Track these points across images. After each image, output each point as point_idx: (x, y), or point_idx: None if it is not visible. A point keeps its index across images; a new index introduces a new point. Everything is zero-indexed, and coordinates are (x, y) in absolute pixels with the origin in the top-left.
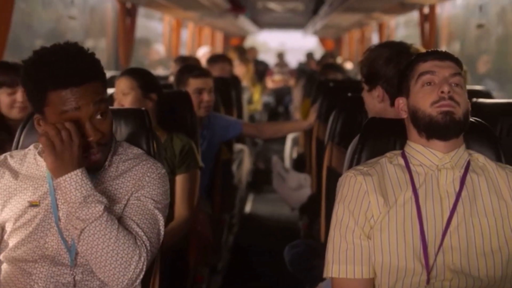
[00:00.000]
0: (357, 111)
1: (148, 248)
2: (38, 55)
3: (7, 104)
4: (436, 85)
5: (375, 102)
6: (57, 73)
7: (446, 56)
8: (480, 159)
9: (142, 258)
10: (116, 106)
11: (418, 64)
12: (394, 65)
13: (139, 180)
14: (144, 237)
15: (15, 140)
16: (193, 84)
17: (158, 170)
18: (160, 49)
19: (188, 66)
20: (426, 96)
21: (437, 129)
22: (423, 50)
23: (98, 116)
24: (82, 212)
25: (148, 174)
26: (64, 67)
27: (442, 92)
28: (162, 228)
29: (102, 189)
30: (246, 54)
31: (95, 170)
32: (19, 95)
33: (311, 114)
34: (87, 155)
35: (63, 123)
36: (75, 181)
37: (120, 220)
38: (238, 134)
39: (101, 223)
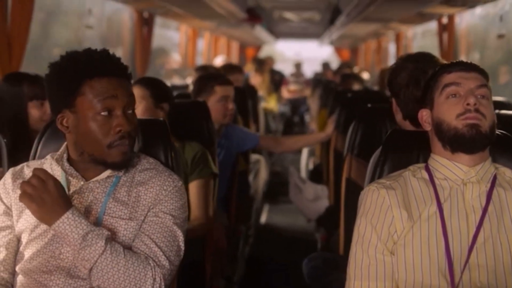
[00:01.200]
0: (377, 122)
1: (167, 266)
2: (69, 54)
3: (37, 117)
4: (462, 97)
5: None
6: (96, 63)
7: (471, 67)
8: (507, 173)
9: (158, 279)
10: None
11: (443, 75)
12: (407, 80)
13: (157, 194)
14: (162, 256)
15: (33, 150)
16: (219, 92)
17: (174, 182)
18: (176, 58)
19: (212, 74)
20: (451, 108)
21: (462, 142)
22: None
23: (130, 111)
24: (85, 252)
25: (165, 187)
26: (100, 58)
27: (468, 104)
28: (182, 244)
29: (121, 196)
30: (263, 65)
31: (118, 168)
32: (49, 107)
33: (328, 125)
34: (117, 145)
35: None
36: (68, 224)
37: (139, 238)
38: (255, 145)
39: (106, 257)
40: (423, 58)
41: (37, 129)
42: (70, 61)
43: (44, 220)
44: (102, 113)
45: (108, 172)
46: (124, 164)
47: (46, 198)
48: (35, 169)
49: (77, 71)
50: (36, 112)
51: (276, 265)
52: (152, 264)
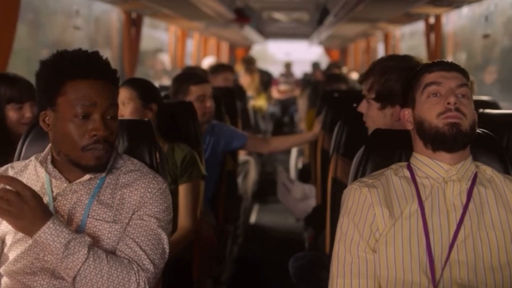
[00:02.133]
0: (362, 122)
1: (151, 270)
2: (58, 52)
3: (15, 120)
4: (442, 96)
5: (386, 120)
6: (79, 64)
7: (452, 67)
8: (488, 171)
9: (142, 283)
10: None
11: (424, 75)
12: None
13: (141, 197)
14: (146, 260)
15: (17, 151)
16: (195, 92)
17: (159, 185)
18: (165, 59)
19: (187, 74)
20: (432, 107)
21: (443, 141)
22: None
23: (109, 117)
24: (68, 261)
25: (149, 190)
26: (85, 60)
27: (448, 103)
28: (166, 246)
29: (105, 198)
30: (252, 64)
31: (92, 171)
32: (27, 110)
33: (315, 125)
34: (91, 148)
35: (5, 189)
36: (50, 234)
37: (123, 241)
38: (243, 145)
39: (89, 265)
40: (411, 61)
41: (16, 131)
42: (57, 60)
43: (24, 231)
44: (80, 116)
45: (90, 174)
46: (98, 168)
47: (25, 211)
48: (8, 180)
49: (60, 71)
50: (14, 115)
51: (265, 265)
52: (136, 269)
